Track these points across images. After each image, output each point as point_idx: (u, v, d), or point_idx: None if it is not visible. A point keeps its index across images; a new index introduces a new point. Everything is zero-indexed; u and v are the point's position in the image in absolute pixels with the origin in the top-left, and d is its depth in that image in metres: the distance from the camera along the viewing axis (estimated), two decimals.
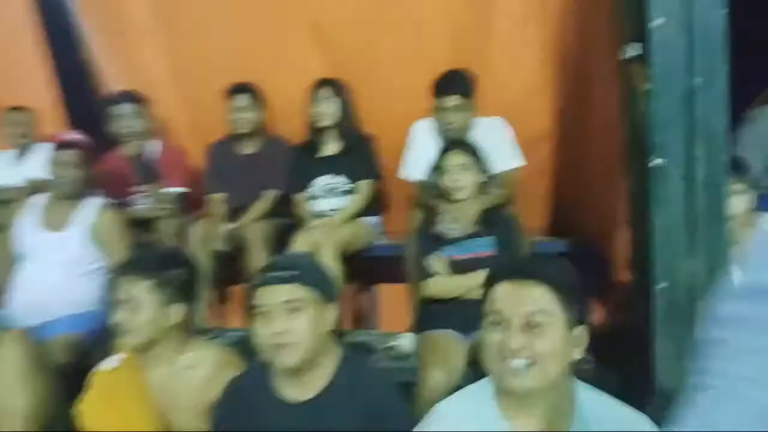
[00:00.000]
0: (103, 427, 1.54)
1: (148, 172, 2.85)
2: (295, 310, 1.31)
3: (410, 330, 2.31)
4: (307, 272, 1.38)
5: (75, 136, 2.67)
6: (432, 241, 2.20)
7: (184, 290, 1.58)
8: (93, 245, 2.45)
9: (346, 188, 2.76)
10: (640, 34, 1.65)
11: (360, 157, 2.77)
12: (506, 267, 1.19)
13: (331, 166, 2.77)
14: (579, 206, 2.78)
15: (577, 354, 1.13)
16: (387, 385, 1.40)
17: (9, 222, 2.55)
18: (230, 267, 2.79)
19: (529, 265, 1.18)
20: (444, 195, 2.24)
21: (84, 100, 3.44)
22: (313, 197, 2.78)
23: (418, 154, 2.62)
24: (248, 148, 2.94)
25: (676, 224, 1.55)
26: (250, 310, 1.36)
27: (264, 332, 1.31)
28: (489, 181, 2.32)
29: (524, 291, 1.09)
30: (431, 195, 2.36)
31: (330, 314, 1.39)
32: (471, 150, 2.26)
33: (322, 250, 2.41)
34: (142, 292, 1.51)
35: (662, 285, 1.54)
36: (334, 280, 1.49)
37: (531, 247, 2.40)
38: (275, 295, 1.31)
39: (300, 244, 2.47)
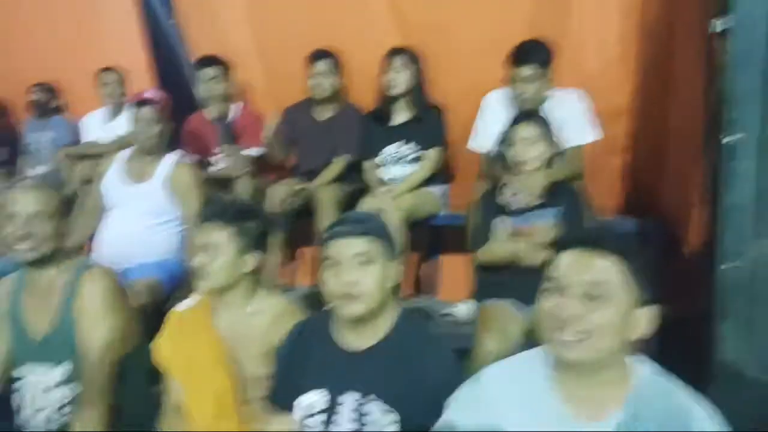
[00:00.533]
0: (174, 362, 1.67)
1: (227, 134, 2.98)
2: (365, 262, 1.36)
3: (469, 298, 2.33)
4: (377, 228, 1.43)
5: (154, 93, 2.79)
6: (495, 210, 2.20)
7: (258, 241, 1.67)
8: (169, 197, 2.59)
9: (414, 156, 2.79)
10: (725, 8, 1.56)
11: (429, 125, 2.78)
12: (575, 235, 1.17)
13: (400, 134, 2.80)
14: (655, 185, 2.68)
15: (639, 333, 1.09)
16: (441, 347, 1.43)
17: (100, 175, 2.73)
18: (300, 228, 2.90)
19: (599, 235, 1.14)
20: (511, 167, 2.23)
21: (173, 63, 3.63)
22: (382, 164, 2.83)
23: (488, 125, 2.61)
24: (324, 114, 3.00)
25: (745, 203, 1.48)
26: (321, 262, 1.42)
27: (334, 283, 1.37)
28: (558, 155, 2.29)
29: (590, 260, 1.07)
30: (498, 166, 2.35)
31: (395, 270, 1.43)
32: (541, 122, 2.23)
33: (386, 215, 2.45)
34: (222, 239, 1.60)
35: (728, 265, 1.48)
36: (398, 240, 1.54)
37: (598, 224, 2.34)
38: (347, 248, 1.37)
39: (366, 209, 2.53)
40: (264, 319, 1.64)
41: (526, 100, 2.48)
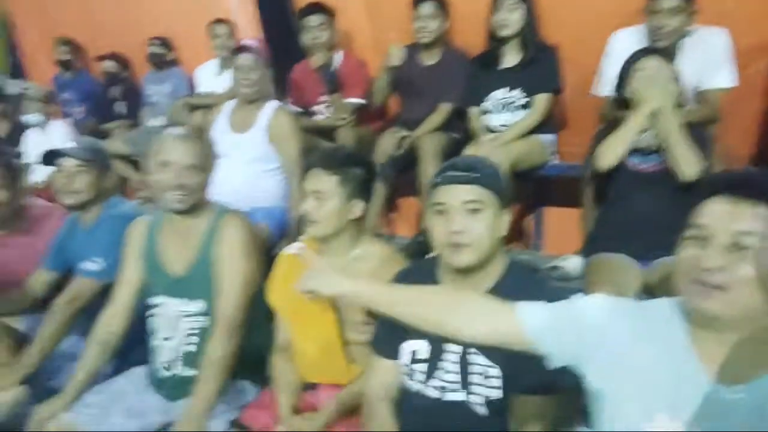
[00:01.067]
0: (283, 304, 1.75)
1: (331, 83, 2.97)
2: (475, 211, 1.31)
3: (579, 253, 2.22)
4: (488, 175, 1.36)
5: (251, 41, 2.82)
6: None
7: (364, 189, 1.67)
8: (270, 145, 2.63)
9: (524, 102, 2.64)
10: None
11: (540, 69, 2.60)
12: (726, 179, 1.04)
13: (508, 79, 2.65)
14: None
15: None
16: (552, 291, 1.34)
17: (209, 125, 2.82)
18: (403, 179, 2.87)
19: (755, 181, 1.01)
20: (631, 105, 2.03)
21: (278, 12, 3.67)
22: (487, 111, 2.71)
23: (615, 68, 2.34)
24: (429, 59, 2.91)
25: None
26: (429, 208, 1.38)
27: (442, 230, 1.33)
28: (688, 96, 2.08)
29: (742, 208, 0.96)
30: (617, 107, 2.17)
31: (505, 220, 1.37)
32: (667, 58, 2.02)
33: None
34: (330, 186, 1.62)
35: None
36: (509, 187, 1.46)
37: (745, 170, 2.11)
38: (457, 195, 1.32)
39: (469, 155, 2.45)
40: (367, 265, 1.65)
41: (665, 34, 2.25)
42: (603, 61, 2.50)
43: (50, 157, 2.08)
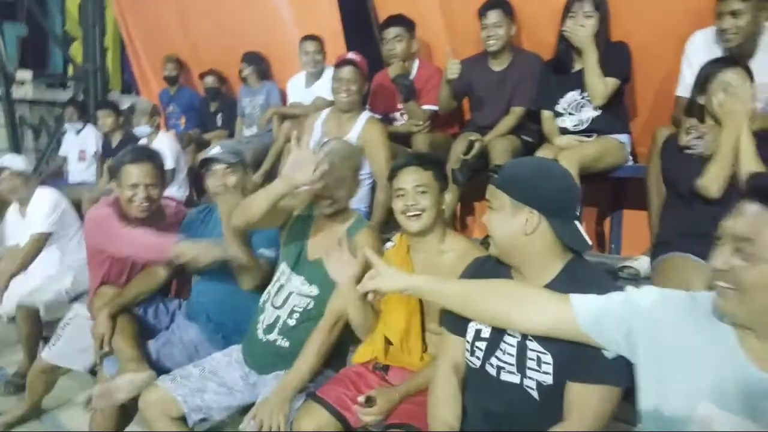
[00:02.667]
0: None
1: (405, 92, 3.10)
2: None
3: (648, 253, 2.23)
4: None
5: (354, 55, 2.96)
6: (675, 152, 2.08)
7: (445, 183, 1.88)
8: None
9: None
10: None
11: (609, 60, 2.59)
12: (762, 185, 1.07)
13: (580, 81, 2.65)
14: None
15: None
16: (606, 288, 1.37)
17: (305, 132, 2.98)
18: (479, 183, 2.95)
19: None
20: (709, 116, 2.04)
21: (362, 25, 3.88)
22: (560, 113, 2.75)
23: (692, 70, 2.32)
24: (498, 65, 2.99)
25: None
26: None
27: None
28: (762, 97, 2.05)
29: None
30: (689, 112, 2.16)
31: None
32: (746, 70, 2.01)
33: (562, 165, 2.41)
34: (429, 179, 1.81)
35: None
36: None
37: None
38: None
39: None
40: (453, 257, 1.81)
41: (732, 37, 2.23)
42: (682, 62, 2.48)
43: (203, 164, 2.35)
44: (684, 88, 2.44)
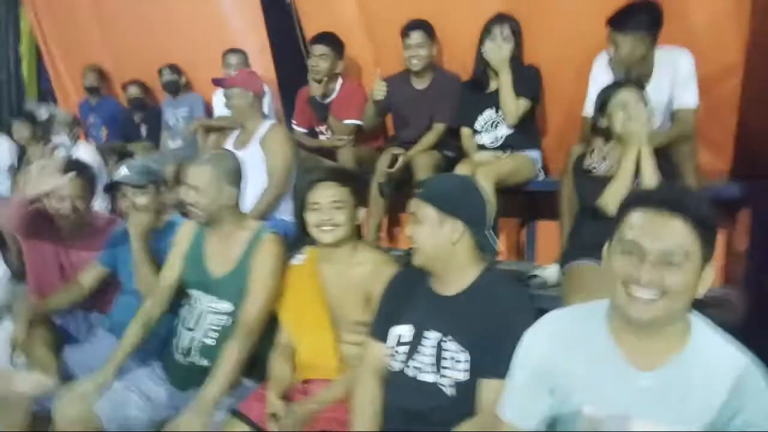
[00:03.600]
0: (285, 309, 1.97)
1: (322, 112, 3.20)
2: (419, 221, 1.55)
3: (557, 262, 2.38)
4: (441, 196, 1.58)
5: (239, 73, 3.10)
6: (581, 173, 2.23)
7: (363, 198, 1.95)
8: (264, 157, 2.80)
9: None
10: None
11: (521, 82, 2.75)
12: (648, 194, 1.17)
13: (495, 100, 2.81)
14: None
15: (702, 291, 1.12)
16: (516, 293, 1.57)
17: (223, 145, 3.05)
18: (403, 195, 3.04)
19: (673, 196, 1.12)
20: (610, 136, 2.19)
21: (289, 42, 3.91)
22: (478, 131, 2.89)
23: (598, 89, 2.48)
24: (420, 83, 3.11)
25: None
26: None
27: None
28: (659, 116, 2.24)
29: (665, 225, 1.08)
30: (593, 131, 2.32)
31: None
32: (640, 90, 2.18)
33: (479, 179, 2.49)
34: (344, 195, 1.86)
35: None
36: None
37: (700, 190, 2.26)
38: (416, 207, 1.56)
39: (461, 172, 2.61)
40: (365, 270, 1.87)
41: (616, 66, 2.42)
42: (589, 83, 2.63)
43: (110, 188, 2.37)
44: (590, 107, 2.61)
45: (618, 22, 2.38)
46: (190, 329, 2.05)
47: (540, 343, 1.30)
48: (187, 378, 1.99)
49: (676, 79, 2.37)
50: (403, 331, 1.62)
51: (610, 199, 2.03)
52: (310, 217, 1.89)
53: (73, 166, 2.42)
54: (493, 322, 1.48)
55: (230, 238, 2.05)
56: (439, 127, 3.03)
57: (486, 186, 2.49)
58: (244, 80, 2.92)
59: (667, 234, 1.08)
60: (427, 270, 1.59)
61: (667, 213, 1.09)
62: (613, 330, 1.22)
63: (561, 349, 1.26)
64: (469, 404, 1.48)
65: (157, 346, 2.16)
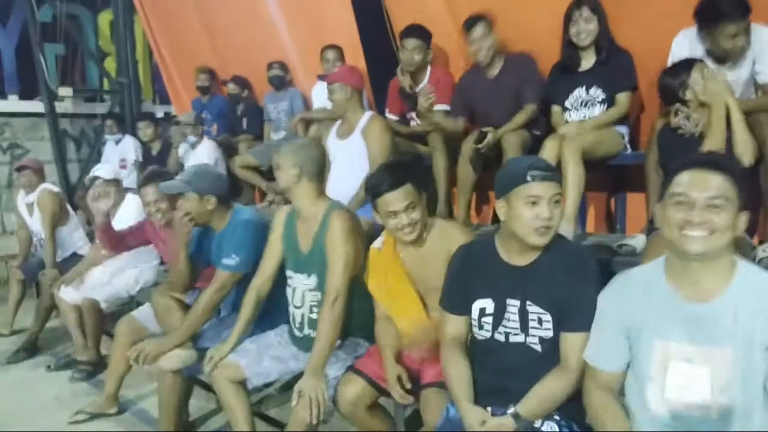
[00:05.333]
0: (374, 288, 2.21)
1: (416, 98, 3.34)
2: (557, 201, 1.67)
3: (644, 231, 2.50)
4: (558, 175, 1.76)
5: (336, 71, 3.31)
6: (669, 135, 2.37)
7: (423, 185, 2.09)
8: (365, 146, 3.04)
9: (600, 99, 2.92)
10: None
11: (617, 69, 2.86)
12: (690, 158, 1.43)
13: (587, 78, 2.92)
14: None
15: (740, 232, 1.39)
16: (584, 262, 1.72)
17: (324, 136, 3.34)
18: (490, 173, 3.21)
19: (710, 158, 1.44)
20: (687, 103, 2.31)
21: (379, 36, 4.15)
22: (567, 108, 3.00)
23: None
24: (492, 72, 3.24)
25: None
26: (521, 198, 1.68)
27: (531, 217, 1.64)
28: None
29: (707, 179, 1.36)
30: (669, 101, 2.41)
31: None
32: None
33: (565, 152, 2.63)
34: (414, 195, 2.03)
35: None
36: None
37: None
38: (547, 189, 1.64)
39: (548, 147, 2.70)
40: (440, 241, 2.07)
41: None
42: (669, 58, 2.69)
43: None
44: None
45: (712, 12, 2.39)
46: (297, 307, 2.36)
47: (613, 298, 1.56)
48: (308, 346, 2.26)
49: (759, 55, 2.39)
50: (485, 304, 1.78)
51: (745, 153, 2.17)
52: (389, 223, 2.04)
53: (153, 175, 2.94)
54: (566, 284, 1.67)
55: (311, 217, 2.30)
56: (529, 108, 3.11)
57: (572, 159, 2.61)
58: (343, 75, 3.18)
59: (710, 185, 1.35)
60: (518, 244, 1.71)
61: (708, 170, 1.37)
62: (670, 275, 1.46)
63: (630, 299, 1.51)
64: (556, 357, 1.69)
65: (284, 311, 2.49)
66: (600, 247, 2.65)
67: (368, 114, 3.16)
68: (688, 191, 1.37)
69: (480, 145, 2.98)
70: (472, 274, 1.85)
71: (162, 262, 3.66)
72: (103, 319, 3.64)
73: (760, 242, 2.43)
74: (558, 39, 3.00)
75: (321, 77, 3.28)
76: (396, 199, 2.01)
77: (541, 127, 3.19)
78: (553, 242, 1.71)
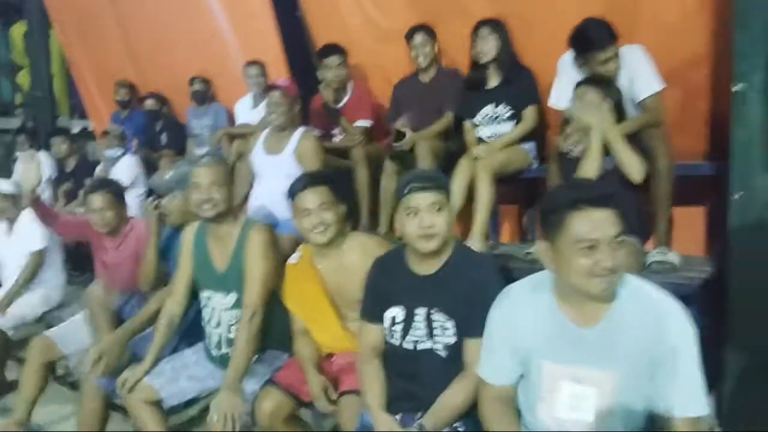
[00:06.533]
0: (292, 304, 2.25)
1: (337, 115, 3.50)
2: (439, 209, 1.77)
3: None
4: (444, 182, 1.85)
5: (282, 81, 3.35)
6: (562, 157, 2.55)
7: (342, 195, 2.16)
8: (297, 165, 3.06)
9: (509, 115, 3.09)
10: None
11: (520, 86, 3.05)
12: (578, 195, 1.37)
13: (493, 96, 3.10)
14: None
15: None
16: (486, 268, 1.83)
17: (248, 151, 3.34)
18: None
19: (600, 193, 1.38)
20: (571, 124, 2.48)
21: (301, 52, 4.22)
22: (478, 125, 3.16)
23: (563, 84, 2.81)
24: (426, 77, 3.41)
25: (753, 142, 1.68)
26: (401, 210, 1.81)
27: (415, 226, 1.77)
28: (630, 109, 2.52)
29: (606, 217, 1.34)
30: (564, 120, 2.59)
31: (453, 214, 1.85)
32: (599, 85, 2.44)
33: (479, 172, 2.80)
34: (328, 197, 2.10)
35: (738, 195, 1.71)
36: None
37: (672, 169, 2.51)
38: (425, 199, 1.76)
39: (462, 166, 2.88)
40: (356, 254, 2.14)
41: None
42: (555, 78, 2.91)
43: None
44: (554, 100, 2.90)
45: (583, 42, 2.59)
46: (214, 327, 2.35)
47: (502, 313, 1.59)
48: (226, 364, 2.24)
49: (633, 75, 2.59)
50: (396, 313, 1.88)
51: (586, 171, 2.32)
52: (303, 223, 2.11)
53: (102, 183, 2.92)
54: (469, 291, 1.75)
55: (226, 235, 2.30)
56: (449, 115, 3.29)
57: (485, 177, 2.79)
58: (288, 86, 3.22)
59: (609, 224, 1.34)
60: (418, 253, 1.81)
61: (601, 207, 1.35)
62: (559, 298, 1.50)
63: (519, 320, 1.55)
64: (461, 363, 1.78)
65: (199, 329, 2.48)
66: (508, 256, 2.80)
67: (300, 130, 3.18)
68: (592, 235, 1.34)
69: (396, 144, 3.11)
70: (385, 284, 1.93)
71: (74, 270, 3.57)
72: (8, 345, 3.46)
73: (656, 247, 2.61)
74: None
75: (272, 86, 3.28)
76: (310, 196, 2.09)
77: (457, 142, 3.33)
78: (457, 251, 1.82)
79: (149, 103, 5.08)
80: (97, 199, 2.87)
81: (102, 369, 2.39)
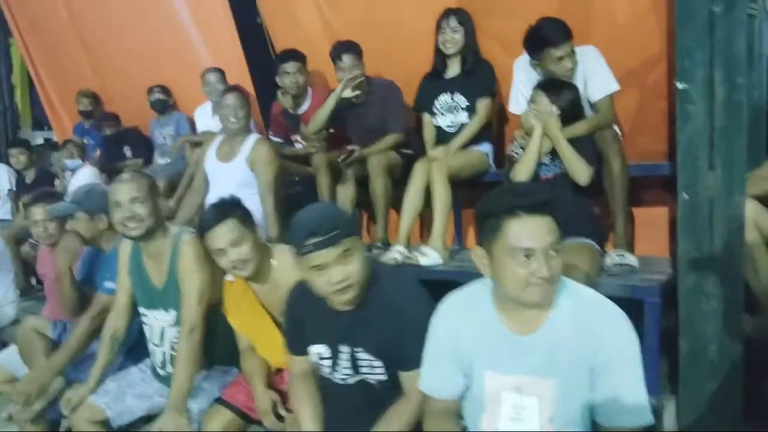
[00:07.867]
0: (233, 321, 2.17)
1: (297, 122, 3.43)
2: (347, 256, 1.58)
3: None
4: (346, 225, 1.63)
5: (235, 85, 3.27)
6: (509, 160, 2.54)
7: (252, 225, 2.05)
8: (251, 173, 2.97)
9: (464, 105, 3.05)
10: None
11: (478, 78, 3.02)
12: (525, 200, 1.32)
13: (451, 85, 3.06)
14: None
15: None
16: (414, 298, 1.70)
17: (202, 158, 3.22)
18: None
19: (538, 200, 1.33)
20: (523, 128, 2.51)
21: (261, 57, 4.15)
22: (436, 113, 3.12)
23: (519, 89, 2.79)
24: (357, 99, 3.25)
25: (699, 140, 1.65)
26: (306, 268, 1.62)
27: (326, 283, 1.60)
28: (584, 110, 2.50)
29: (543, 224, 1.30)
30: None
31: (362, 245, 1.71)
32: (550, 90, 2.44)
33: (434, 175, 2.75)
34: (238, 231, 1.97)
35: (685, 196, 1.68)
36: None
37: (626, 169, 2.48)
38: (328, 255, 1.57)
39: (418, 170, 2.83)
40: (282, 271, 2.05)
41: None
42: (513, 81, 2.88)
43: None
44: (513, 103, 2.87)
45: (536, 40, 2.57)
46: (157, 345, 2.27)
47: (442, 324, 1.54)
48: (170, 382, 2.16)
49: (586, 75, 2.57)
50: (321, 350, 1.77)
51: (520, 171, 2.40)
52: (221, 262, 2.01)
53: (44, 195, 2.87)
54: (393, 326, 1.64)
55: (158, 252, 2.20)
56: (392, 138, 3.19)
57: (440, 179, 2.74)
58: (243, 90, 3.15)
59: (546, 231, 1.30)
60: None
61: (538, 214, 1.31)
62: (498, 306, 1.45)
63: (460, 330, 1.49)
64: (397, 389, 1.69)
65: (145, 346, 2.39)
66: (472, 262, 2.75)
67: (253, 137, 3.09)
68: (527, 243, 1.29)
69: (341, 159, 3.06)
70: (306, 319, 1.82)
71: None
72: None
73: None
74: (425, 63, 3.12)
75: (233, 87, 3.20)
76: (219, 235, 1.97)
77: (414, 146, 3.29)
78: (373, 285, 1.68)
79: (107, 130, 4.97)
80: (39, 212, 2.80)
81: (30, 412, 2.33)
